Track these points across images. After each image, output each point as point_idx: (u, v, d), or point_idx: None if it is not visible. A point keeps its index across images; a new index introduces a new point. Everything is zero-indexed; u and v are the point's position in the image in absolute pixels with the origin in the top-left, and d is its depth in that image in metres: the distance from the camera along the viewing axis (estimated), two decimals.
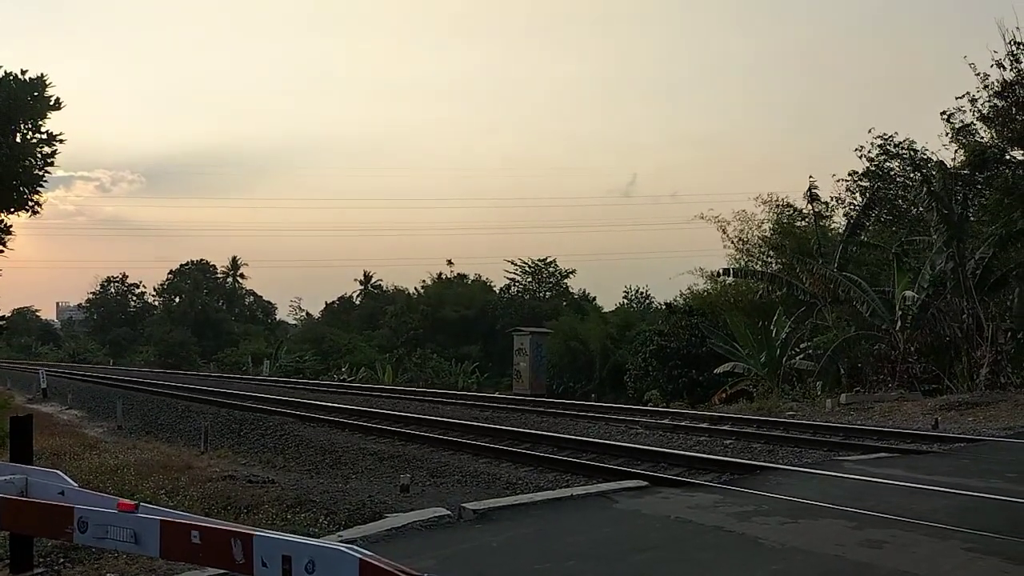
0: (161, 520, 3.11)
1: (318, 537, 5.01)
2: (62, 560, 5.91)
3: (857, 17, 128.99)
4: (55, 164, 17.03)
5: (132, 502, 3.31)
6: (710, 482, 8.99)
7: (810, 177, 38.72)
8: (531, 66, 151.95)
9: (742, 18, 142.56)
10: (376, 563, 2.52)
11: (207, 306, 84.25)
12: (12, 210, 17.05)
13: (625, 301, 55.81)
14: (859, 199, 28.95)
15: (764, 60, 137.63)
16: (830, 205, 30.57)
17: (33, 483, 4.04)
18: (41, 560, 5.81)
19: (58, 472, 4.15)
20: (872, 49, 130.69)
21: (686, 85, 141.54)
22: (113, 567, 5.64)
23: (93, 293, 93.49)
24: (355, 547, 2.64)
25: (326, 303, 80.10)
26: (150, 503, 4.20)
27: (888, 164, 28.78)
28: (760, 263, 31.30)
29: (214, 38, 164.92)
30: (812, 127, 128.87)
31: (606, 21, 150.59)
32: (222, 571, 4.17)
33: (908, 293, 21.68)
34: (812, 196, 29.38)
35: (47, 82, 16.53)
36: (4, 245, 17.27)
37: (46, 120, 16.72)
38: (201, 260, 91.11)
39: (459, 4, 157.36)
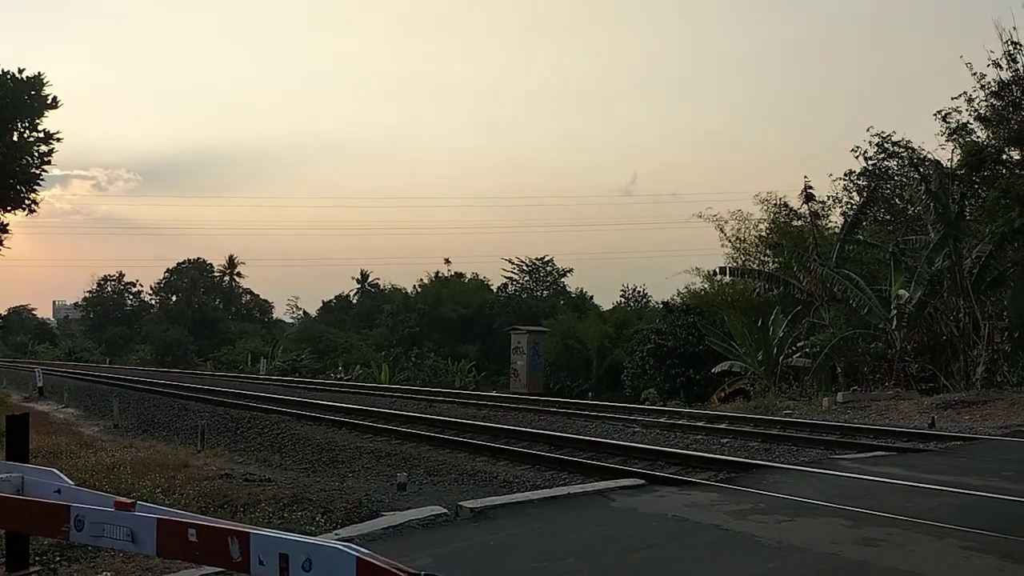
0: (158, 518, 3.10)
1: (315, 536, 5.00)
2: (58, 559, 5.90)
3: (855, 16, 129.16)
4: (52, 163, 17.02)
5: (129, 500, 3.30)
6: (707, 480, 9.00)
7: (805, 177, 38.80)
8: (530, 64, 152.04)
9: (740, 16, 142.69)
10: (374, 561, 2.52)
11: (204, 305, 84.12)
12: (9, 208, 17.03)
13: (622, 300, 55.85)
14: (856, 198, 28.98)
15: (763, 58, 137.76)
16: (827, 204, 30.65)
17: (29, 481, 4.03)
18: (37, 558, 5.80)
19: (55, 470, 4.14)
20: (870, 48, 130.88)
21: (686, 84, 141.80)
22: (109, 565, 5.64)
23: (90, 292, 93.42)
24: (352, 545, 2.63)
25: (323, 302, 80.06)
26: (146, 501, 4.19)
27: (886, 163, 28.81)
28: (757, 262, 31.34)
29: (210, 37, 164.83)
30: (813, 125, 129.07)
31: (605, 19, 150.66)
32: (219, 569, 4.18)
33: (901, 292, 21.72)
34: (808, 196, 29.42)
35: (44, 81, 16.51)
36: (1, 244, 17.25)
37: (43, 119, 16.70)
38: (198, 259, 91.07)
39: (458, 2, 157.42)
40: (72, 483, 3.93)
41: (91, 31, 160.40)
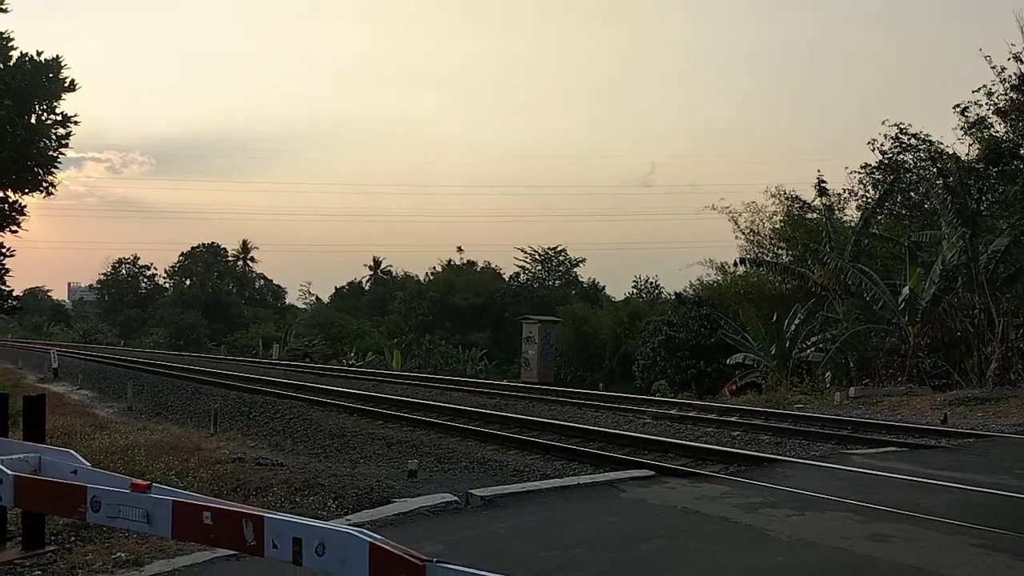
0: (174, 501, 3.13)
1: (326, 520, 5.03)
2: (73, 538, 5.96)
3: (873, 8, 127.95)
4: (68, 145, 17.07)
5: (145, 482, 3.33)
6: (717, 473, 9.00)
7: (818, 171, 38.64)
8: (547, 53, 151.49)
9: (758, 8, 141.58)
10: (386, 547, 2.54)
11: (217, 289, 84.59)
12: (27, 191, 17.11)
13: (635, 291, 55.76)
14: (872, 192, 28.78)
15: (782, 50, 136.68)
16: (842, 197, 30.45)
17: (46, 462, 4.07)
18: (53, 538, 5.87)
19: (71, 451, 4.18)
20: (887, 41, 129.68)
21: (705, 74, 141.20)
22: (123, 546, 5.69)
23: (104, 274, 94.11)
24: (365, 531, 2.66)
25: (336, 288, 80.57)
26: (161, 484, 4.23)
27: (902, 156, 28.57)
28: (771, 255, 31.22)
29: (226, 20, 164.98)
30: (832, 117, 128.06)
31: (623, 8, 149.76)
32: (231, 552, 4.21)
33: (906, 289, 21.58)
34: (821, 190, 29.26)
35: (62, 63, 16.54)
36: (19, 226, 17.33)
37: (61, 101, 16.74)
38: (212, 243, 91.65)
39: None
40: (89, 464, 3.97)
41: (107, 14, 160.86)
